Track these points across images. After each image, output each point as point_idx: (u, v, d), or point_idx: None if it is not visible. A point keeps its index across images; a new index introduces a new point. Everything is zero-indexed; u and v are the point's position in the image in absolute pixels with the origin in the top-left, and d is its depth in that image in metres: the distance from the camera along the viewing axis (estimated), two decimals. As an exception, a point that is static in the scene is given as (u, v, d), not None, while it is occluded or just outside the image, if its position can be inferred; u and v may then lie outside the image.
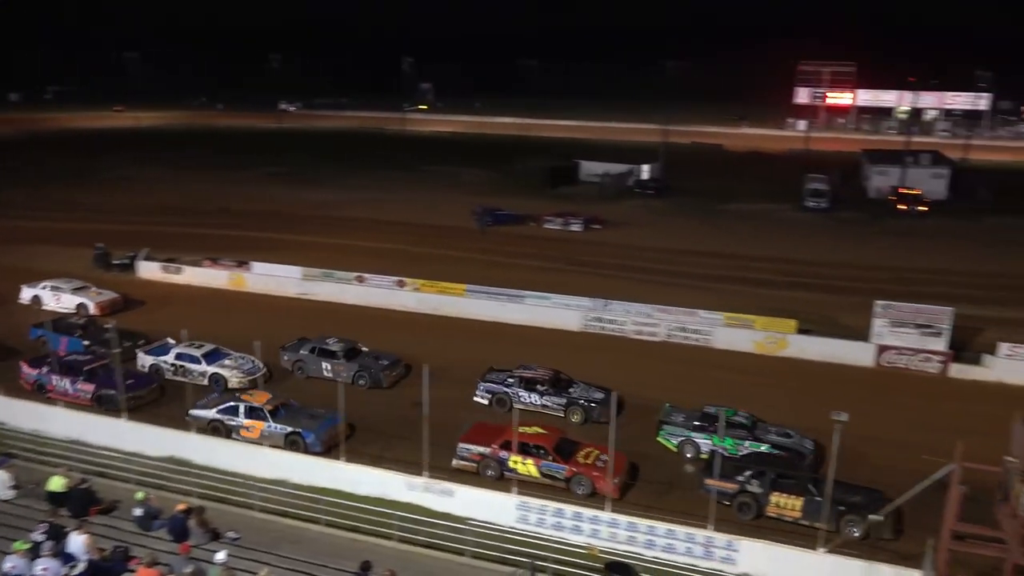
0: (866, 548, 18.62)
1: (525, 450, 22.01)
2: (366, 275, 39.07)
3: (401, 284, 38.48)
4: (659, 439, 24.40)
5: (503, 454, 22.20)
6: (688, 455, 24.08)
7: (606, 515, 19.53)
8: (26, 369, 27.14)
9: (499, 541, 18.81)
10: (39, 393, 26.48)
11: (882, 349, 31.41)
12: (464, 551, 18.81)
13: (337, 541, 19.22)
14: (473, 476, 22.21)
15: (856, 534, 19.70)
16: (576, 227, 53.45)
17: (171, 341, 28.96)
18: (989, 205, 62.13)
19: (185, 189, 65.44)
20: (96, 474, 21.25)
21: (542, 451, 22.03)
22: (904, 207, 60.68)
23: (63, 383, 26.44)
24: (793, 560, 18.26)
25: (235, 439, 23.90)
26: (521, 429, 21.71)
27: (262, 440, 23.68)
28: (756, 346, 32.77)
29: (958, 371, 30.68)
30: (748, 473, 21.03)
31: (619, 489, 21.33)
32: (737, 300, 37.14)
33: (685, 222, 56.82)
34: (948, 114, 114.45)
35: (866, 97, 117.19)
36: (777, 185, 68.94)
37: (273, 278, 39.75)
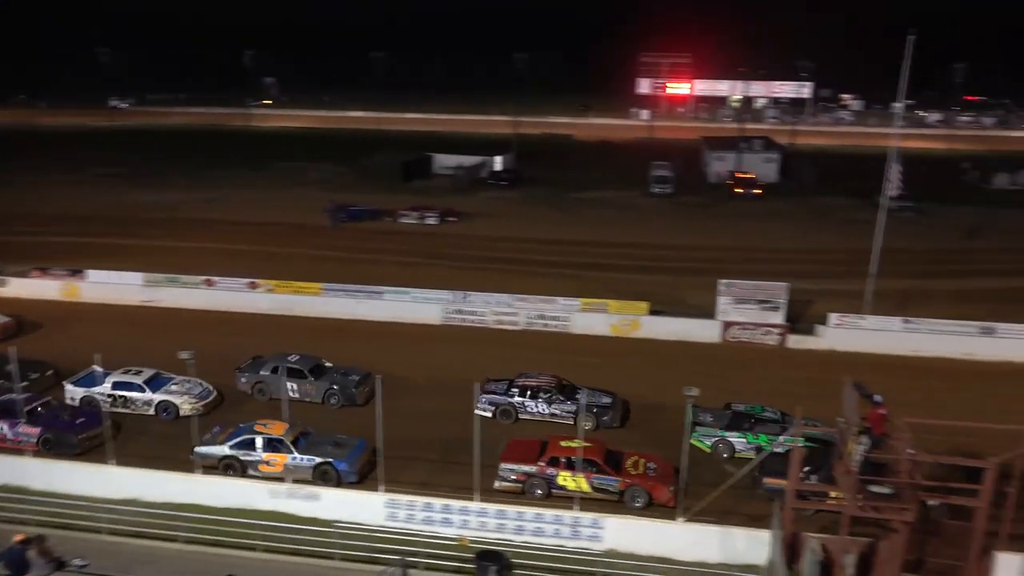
0: (721, 514, 19.67)
1: (574, 465, 21.00)
2: (215, 278, 37.42)
3: (253, 286, 37.14)
4: (693, 441, 23.24)
5: (551, 471, 21.25)
6: (724, 455, 23.69)
7: (475, 505, 19.69)
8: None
9: (369, 541, 18.58)
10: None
11: (727, 325, 33.27)
12: (333, 555, 18.46)
13: (199, 557, 18.42)
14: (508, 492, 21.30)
15: None
16: (432, 220, 53.36)
17: (98, 369, 25.87)
18: (814, 186, 67.03)
19: (9, 194, 60.31)
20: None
21: (593, 465, 21.11)
22: (741, 190, 64.39)
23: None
24: (654, 531, 19.07)
25: (252, 475, 21.97)
26: (562, 444, 21.35)
27: (286, 474, 21.81)
28: (612, 329, 33.93)
29: (795, 342, 32.97)
30: (807, 469, 20.38)
31: (675, 497, 20.60)
32: (592, 286, 38.28)
33: (539, 212, 57.91)
34: (776, 102, 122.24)
35: (703, 87, 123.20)
36: (625, 173, 71.47)
37: (112, 286, 37.34)
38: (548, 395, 25.85)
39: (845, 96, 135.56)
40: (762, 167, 70.33)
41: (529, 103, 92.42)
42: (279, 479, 21.53)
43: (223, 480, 21.06)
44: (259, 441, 22.22)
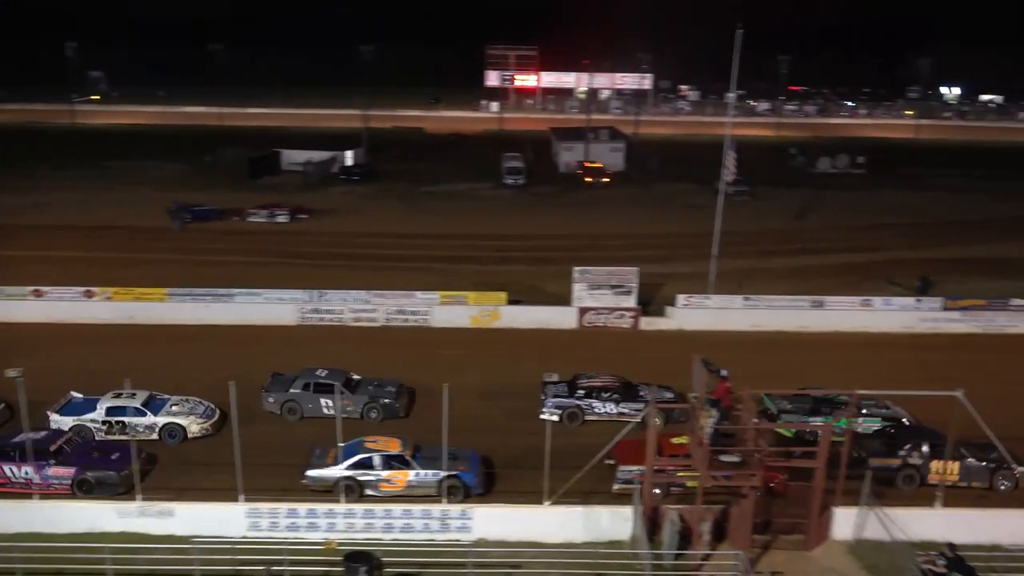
0: (584, 495, 20.23)
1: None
2: (44, 288, 34.69)
3: (89, 294, 34.69)
4: (780, 431, 23.86)
5: (671, 469, 20.50)
6: (806, 438, 23.34)
7: (341, 507, 19.33)
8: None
9: (231, 554, 17.86)
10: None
11: (583, 311, 34.23)
12: (192, 572, 17.62)
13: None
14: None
15: (1006, 487, 21.51)
16: (283, 218, 51.72)
17: (78, 395, 24.04)
18: (658, 174, 70.03)
19: None
20: None
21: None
22: (590, 179, 66.30)
23: (22, 472, 20.70)
24: (522, 517, 19.39)
25: (370, 495, 20.74)
26: (674, 441, 20.81)
27: (410, 491, 20.73)
28: (472, 320, 34.13)
29: (647, 324, 34.38)
30: (908, 447, 21.87)
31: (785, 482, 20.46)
32: (451, 279, 38.38)
33: (394, 206, 57.36)
34: (619, 93, 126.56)
35: (549, 79, 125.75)
36: (478, 165, 71.97)
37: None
38: (613, 395, 25.51)
39: (683, 87, 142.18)
40: (609, 156, 72.68)
41: (378, 96, 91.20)
42: (379, 498, 20.59)
43: (64, 504, 19.63)
44: (377, 459, 21.11)
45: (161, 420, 23.78)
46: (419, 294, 34.87)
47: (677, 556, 17.93)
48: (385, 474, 21.04)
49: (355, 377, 26.45)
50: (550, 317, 34.31)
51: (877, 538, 18.86)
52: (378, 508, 19.38)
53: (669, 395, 25.39)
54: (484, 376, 27.92)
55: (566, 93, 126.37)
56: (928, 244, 48.76)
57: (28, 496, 20.01)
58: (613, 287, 34.35)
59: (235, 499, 19.29)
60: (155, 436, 23.66)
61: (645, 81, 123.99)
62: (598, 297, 34.33)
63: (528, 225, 51.86)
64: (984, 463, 21.72)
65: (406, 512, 19.31)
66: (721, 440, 18.56)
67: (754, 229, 50.30)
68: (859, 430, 23.18)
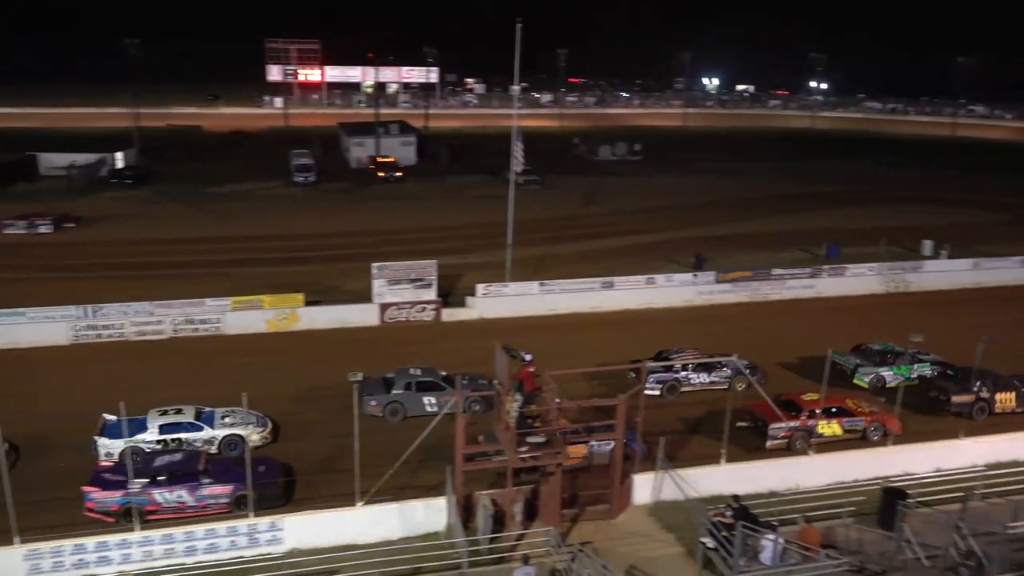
0: (395, 490, 20.13)
1: (829, 414, 23.98)
2: None
3: None
4: (855, 380, 28.05)
5: (811, 423, 23.69)
6: (878, 386, 27.75)
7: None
8: (98, 494, 19.20)
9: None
10: (126, 521, 18.80)
11: (384, 307, 33.94)
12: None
13: None
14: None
15: None
16: (45, 228, 46.94)
17: (111, 416, 22.29)
18: (450, 166, 70.82)
19: None
20: None
21: (841, 411, 24.24)
22: (383, 174, 65.77)
23: (175, 496, 19.48)
24: (335, 521, 18.95)
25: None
26: (805, 398, 24.13)
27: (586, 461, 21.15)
28: (269, 325, 32.81)
29: (449, 315, 34.69)
30: (979, 383, 26.11)
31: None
32: (243, 283, 36.61)
33: (174, 210, 53.83)
34: (407, 87, 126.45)
35: (334, 73, 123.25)
36: (264, 163, 69.17)
37: None
38: (703, 367, 27.56)
39: (469, 80, 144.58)
40: (401, 151, 72.49)
41: (149, 94, 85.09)
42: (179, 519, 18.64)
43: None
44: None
45: (220, 433, 22.89)
46: (209, 301, 32.93)
47: (492, 540, 18.31)
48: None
49: (443, 373, 26.14)
50: (351, 315, 33.72)
51: (673, 499, 20.26)
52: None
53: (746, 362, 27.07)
54: (289, 381, 27.03)
55: (353, 87, 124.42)
56: (701, 223, 52.94)
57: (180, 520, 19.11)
58: (413, 281, 34.33)
59: (9, 542, 17.34)
60: (215, 450, 22.53)
61: (432, 74, 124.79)
62: (398, 292, 34.17)
63: (322, 223, 50.60)
64: None
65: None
66: (527, 423, 19.12)
67: (545, 216, 52.19)
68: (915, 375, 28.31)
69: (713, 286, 38.01)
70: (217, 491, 19.81)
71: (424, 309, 34.30)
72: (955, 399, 26.27)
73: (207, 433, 22.80)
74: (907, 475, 20.94)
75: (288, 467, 21.73)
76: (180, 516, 19.50)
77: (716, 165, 78.98)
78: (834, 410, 24.27)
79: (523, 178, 49.64)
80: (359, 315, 33.76)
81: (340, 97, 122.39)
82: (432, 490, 20.05)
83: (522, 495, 19.37)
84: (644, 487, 20.47)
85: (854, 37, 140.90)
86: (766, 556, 16.56)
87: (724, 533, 16.94)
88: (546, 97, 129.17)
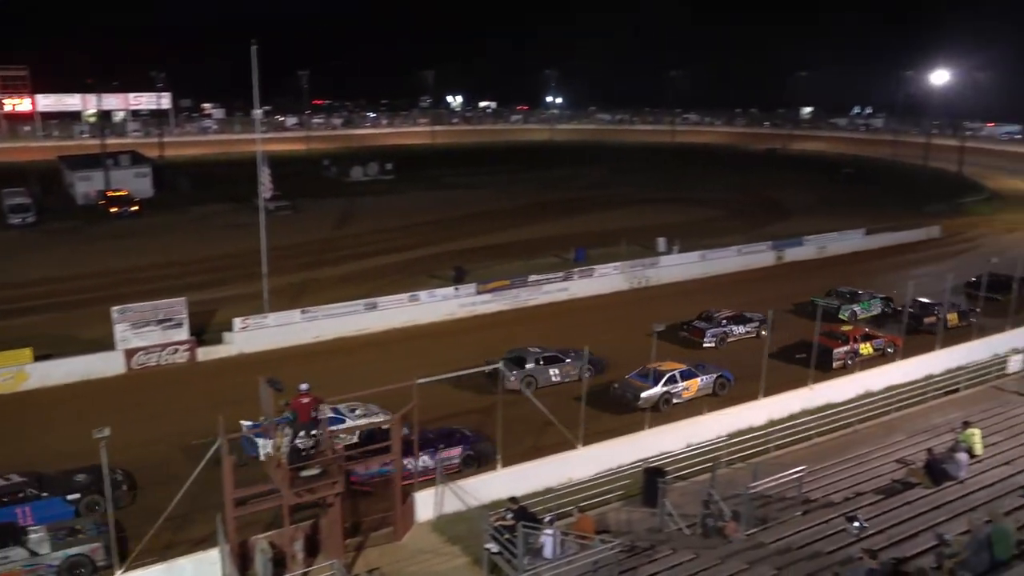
0: (163, 550, 18.57)
1: (866, 338, 32.36)
2: None
3: None
4: (840, 315, 37.01)
5: (856, 346, 31.56)
6: (853, 318, 37.00)
7: None
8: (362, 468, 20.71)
9: None
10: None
11: (130, 353, 31.21)
12: None
13: None
14: None
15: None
16: None
17: (248, 422, 23.20)
18: (193, 196, 66.83)
19: None
20: None
21: (868, 336, 32.56)
22: (116, 209, 60.57)
23: (419, 462, 21.22)
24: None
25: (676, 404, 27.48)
26: (844, 329, 33.21)
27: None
28: (-9, 388, 28.94)
29: (205, 354, 32.61)
30: (936, 308, 34.56)
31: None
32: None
33: None
34: (136, 114, 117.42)
35: (48, 102, 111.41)
36: (-31, 205, 61.05)
37: None
38: (739, 320, 35.37)
39: (207, 105, 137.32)
40: (135, 183, 67.38)
41: None
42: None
43: None
44: (677, 375, 27.94)
45: (361, 422, 24.40)
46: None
47: (274, 584, 17.45)
48: (683, 383, 28.02)
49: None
50: (92, 366, 30.57)
51: (455, 510, 20.49)
52: None
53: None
54: (23, 450, 23.96)
55: (73, 116, 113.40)
56: (457, 236, 54.22)
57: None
58: (160, 322, 31.88)
59: None
60: (355, 439, 23.31)
61: (164, 100, 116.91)
62: (145, 335, 31.58)
63: (48, 267, 45.55)
64: (964, 309, 36.80)
65: None
66: (300, 456, 18.43)
67: (301, 241, 50.85)
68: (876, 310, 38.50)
69: (475, 297, 39.03)
70: (451, 453, 23.07)
71: (176, 350, 31.98)
72: (925, 320, 34.73)
73: (348, 424, 24.29)
74: (663, 454, 22.76)
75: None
76: (426, 478, 21.32)
77: (466, 179, 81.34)
78: (866, 335, 32.68)
79: (273, 204, 48.07)
80: (101, 365, 30.74)
81: (58, 128, 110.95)
82: (201, 543, 18.73)
83: (301, 532, 18.65)
84: (426, 504, 20.50)
85: (585, 54, 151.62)
86: (547, 551, 17.21)
87: (506, 536, 17.39)
88: (291, 120, 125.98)
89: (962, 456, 19.02)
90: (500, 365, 24.65)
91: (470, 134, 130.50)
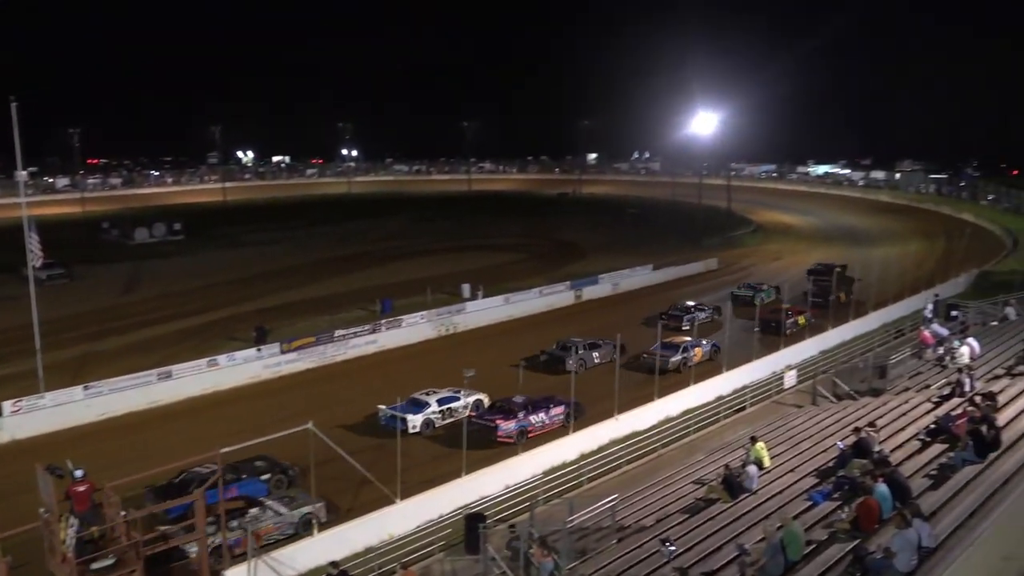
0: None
1: (797, 313, 41.44)
2: None
3: None
4: (755, 302, 40.53)
5: (797, 318, 40.86)
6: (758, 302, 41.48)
7: None
8: (504, 424, 27.72)
9: None
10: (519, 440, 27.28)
11: None
12: None
13: None
14: None
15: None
16: None
17: (385, 407, 28.40)
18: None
19: None
20: None
21: (799, 311, 41.61)
22: None
23: (539, 418, 28.64)
24: None
25: None
26: (784, 307, 41.70)
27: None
28: None
29: (-32, 445, 28.92)
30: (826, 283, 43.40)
31: None
32: None
33: None
34: None
35: None
36: None
37: None
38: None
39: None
40: None
41: None
42: None
43: None
44: (688, 345, 36.06)
45: (470, 399, 30.03)
46: None
47: None
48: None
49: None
50: None
51: (270, 584, 19.35)
52: None
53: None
54: None
55: None
56: (257, 295, 52.09)
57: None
58: (-89, 413, 27.99)
59: None
60: (469, 412, 28.97)
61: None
62: None
63: None
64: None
65: None
66: (89, 547, 16.71)
67: (81, 311, 46.82)
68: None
69: (279, 357, 37.51)
70: (558, 411, 28.97)
71: (-67, 444, 28.18)
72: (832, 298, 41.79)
73: (463, 402, 29.90)
74: (482, 498, 22.84)
75: None
76: (543, 431, 28.25)
77: (263, 236, 78.74)
78: (796, 311, 40.94)
79: (45, 273, 44.06)
80: None
81: None
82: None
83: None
84: (239, 581, 19.19)
85: (368, 107, 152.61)
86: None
87: (329, 604, 16.68)
88: (62, 181, 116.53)
89: (752, 469, 20.59)
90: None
91: (264, 189, 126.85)
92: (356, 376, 37.03)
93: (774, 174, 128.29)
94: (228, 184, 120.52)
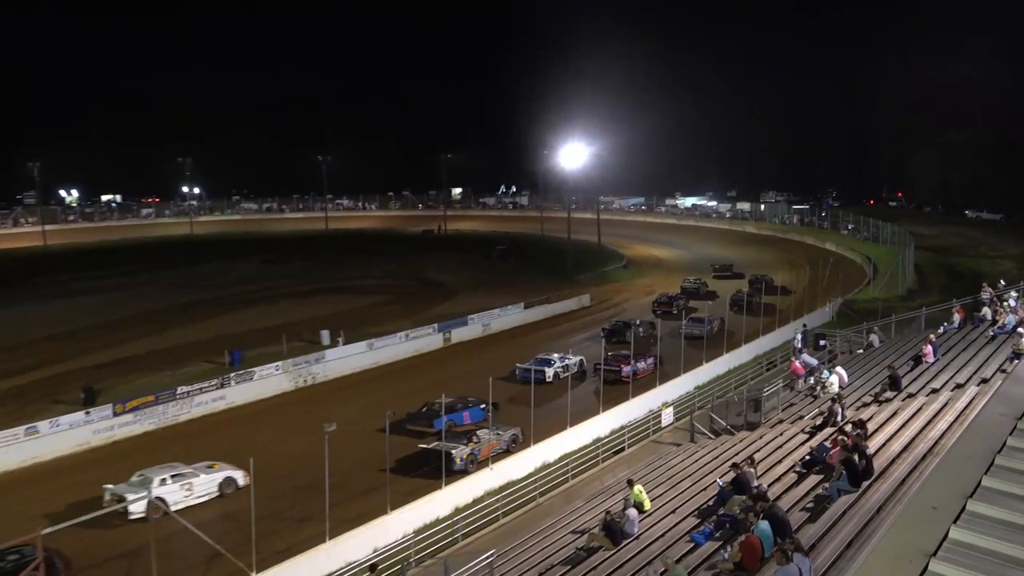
0: None
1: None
2: None
3: None
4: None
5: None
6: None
7: None
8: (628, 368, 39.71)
9: None
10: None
11: None
12: None
13: None
14: None
15: None
16: None
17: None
18: None
19: None
20: None
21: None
22: None
23: (630, 368, 39.54)
24: None
25: None
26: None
27: None
28: None
29: None
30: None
31: None
32: None
33: None
34: None
35: None
36: None
37: None
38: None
39: None
40: None
41: None
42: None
43: None
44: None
45: (570, 361, 41.84)
46: None
47: None
48: None
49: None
50: None
51: None
52: None
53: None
54: None
55: None
56: (86, 351, 48.99)
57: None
58: None
59: None
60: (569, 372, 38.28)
61: None
62: None
63: None
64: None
65: None
66: None
67: None
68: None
69: (112, 420, 35.24)
70: (647, 363, 40.79)
71: None
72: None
73: (556, 365, 41.43)
74: (348, 565, 22.13)
75: None
76: (638, 377, 38.78)
77: (93, 283, 74.38)
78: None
79: None
80: None
81: None
82: None
83: None
84: None
85: (219, 140, 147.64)
86: None
87: None
88: None
89: (632, 512, 20.95)
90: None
91: (93, 232, 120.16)
92: (202, 437, 35.26)
93: (643, 207, 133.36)
94: (50, 227, 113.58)
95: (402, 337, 49.33)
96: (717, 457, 26.56)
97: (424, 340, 50.30)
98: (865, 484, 18.67)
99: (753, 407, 32.14)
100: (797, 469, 22.04)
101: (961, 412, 22.05)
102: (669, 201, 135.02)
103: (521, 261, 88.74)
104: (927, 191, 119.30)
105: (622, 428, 33.21)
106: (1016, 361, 25.14)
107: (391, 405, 29.24)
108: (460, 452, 29.24)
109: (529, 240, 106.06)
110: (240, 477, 28.62)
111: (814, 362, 35.67)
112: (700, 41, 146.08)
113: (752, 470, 21.51)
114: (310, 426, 31.37)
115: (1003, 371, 25.12)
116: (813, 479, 20.87)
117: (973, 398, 22.97)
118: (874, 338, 39.20)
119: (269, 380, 41.45)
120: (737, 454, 25.18)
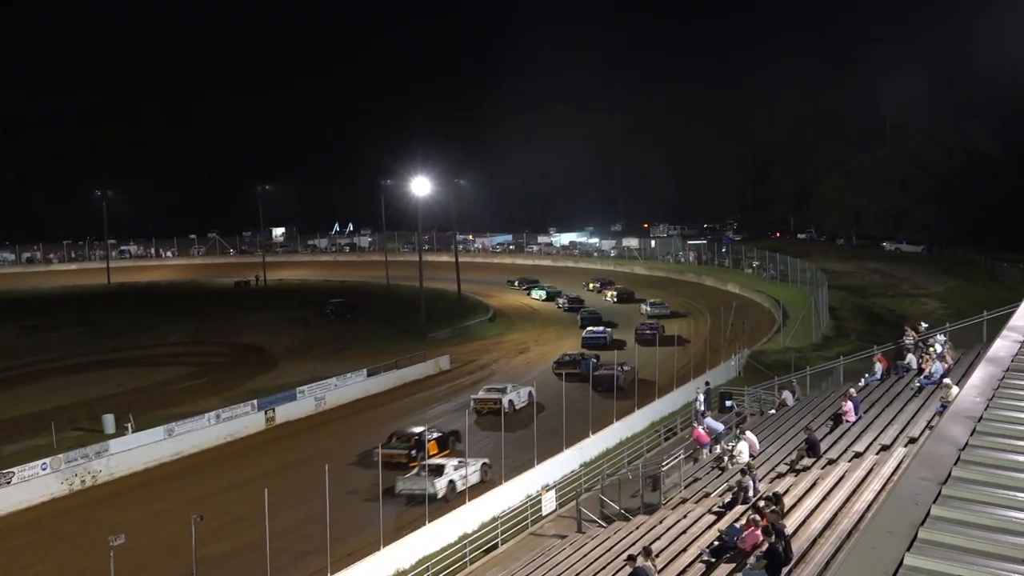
0: None
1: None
2: None
3: None
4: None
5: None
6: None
7: None
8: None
9: None
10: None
11: None
12: None
13: None
14: None
15: None
16: None
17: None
18: None
19: None
20: None
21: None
22: None
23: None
24: None
25: None
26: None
27: None
28: None
29: None
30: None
31: None
32: None
33: None
34: None
35: None
36: None
37: None
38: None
39: None
40: None
41: None
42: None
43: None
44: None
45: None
46: None
47: None
48: None
49: None
50: None
51: None
52: None
53: None
54: None
55: None
56: None
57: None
58: None
59: None
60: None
61: None
62: None
63: None
64: None
65: None
66: None
67: None
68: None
69: None
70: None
71: None
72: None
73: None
74: None
75: None
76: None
77: None
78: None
79: None
80: None
81: None
82: None
83: None
84: None
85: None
86: None
87: None
88: None
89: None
90: None
91: None
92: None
93: (511, 246, 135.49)
94: None
95: (211, 419, 47.80)
96: (610, 549, 26.86)
97: (240, 421, 48.96)
98: (784, 572, 19.30)
99: (651, 485, 32.77)
100: (705, 558, 22.54)
101: (888, 478, 23.21)
102: (542, 238, 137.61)
103: (363, 317, 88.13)
104: (837, 222, 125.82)
105: (494, 520, 33.15)
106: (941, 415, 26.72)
107: (199, 508, 28.10)
108: None
109: (372, 290, 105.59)
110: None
111: (719, 427, 36.85)
112: (574, 54, 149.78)
113: (650, 563, 21.87)
114: (88, 543, 29.95)
115: (931, 428, 26.68)
116: (724, 568, 21.41)
117: (901, 461, 24.23)
118: (787, 395, 40.95)
119: (33, 483, 39.15)
120: (633, 544, 25.55)
